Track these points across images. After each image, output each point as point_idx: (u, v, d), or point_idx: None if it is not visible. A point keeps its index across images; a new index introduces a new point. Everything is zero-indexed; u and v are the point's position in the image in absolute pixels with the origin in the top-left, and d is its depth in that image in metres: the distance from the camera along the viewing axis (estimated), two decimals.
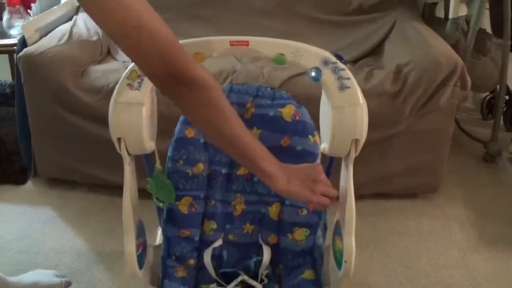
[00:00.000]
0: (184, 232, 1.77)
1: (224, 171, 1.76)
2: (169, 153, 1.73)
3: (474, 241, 2.43)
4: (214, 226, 1.80)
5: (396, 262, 2.28)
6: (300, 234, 1.76)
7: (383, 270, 2.24)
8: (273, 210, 1.78)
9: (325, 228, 1.81)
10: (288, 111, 1.69)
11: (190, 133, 1.71)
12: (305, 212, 1.73)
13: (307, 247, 1.77)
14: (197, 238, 1.78)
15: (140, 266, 1.66)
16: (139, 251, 1.66)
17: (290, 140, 1.69)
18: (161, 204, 1.72)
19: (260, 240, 1.81)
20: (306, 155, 1.69)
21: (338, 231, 1.68)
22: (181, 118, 1.73)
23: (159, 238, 1.93)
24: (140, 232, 1.72)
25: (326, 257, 1.80)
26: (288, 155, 1.69)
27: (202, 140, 1.72)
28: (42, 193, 2.77)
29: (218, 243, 1.80)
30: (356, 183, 1.59)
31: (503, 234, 2.48)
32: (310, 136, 1.68)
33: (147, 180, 1.68)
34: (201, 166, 1.73)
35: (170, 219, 1.76)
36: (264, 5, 3.09)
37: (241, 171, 1.77)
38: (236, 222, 1.81)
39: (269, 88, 1.74)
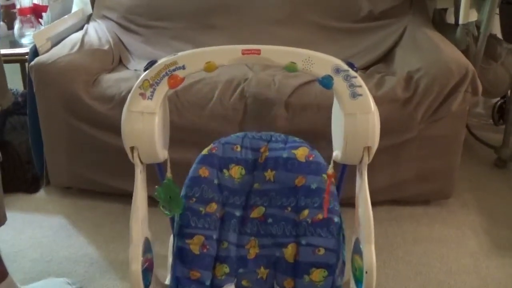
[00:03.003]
0: (194, 274, 1.71)
1: (237, 213, 1.75)
2: (183, 192, 1.72)
3: (486, 247, 2.42)
4: (227, 270, 1.74)
5: (409, 269, 2.27)
6: (318, 275, 1.70)
7: (396, 277, 2.23)
8: (289, 252, 1.73)
9: (343, 266, 1.75)
10: (301, 153, 1.71)
11: (205, 172, 1.71)
12: (322, 251, 1.68)
13: None
14: (208, 282, 1.72)
15: (147, 283, 1.64)
16: (145, 265, 1.64)
17: (304, 179, 1.69)
18: (166, 212, 1.71)
19: (275, 285, 1.76)
20: (321, 193, 1.68)
21: (357, 249, 1.65)
22: (196, 159, 1.74)
23: (169, 279, 1.84)
24: (147, 248, 1.70)
25: None
26: (303, 193, 1.70)
27: (216, 181, 1.72)
28: (55, 202, 2.78)
29: None
30: (369, 190, 1.59)
31: None
32: (324, 175, 1.68)
33: (155, 188, 1.68)
34: (214, 205, 1.72)
35: (181, 258, 1.72)
36: (276, 14, 3.10)
37: (255, 214, 1.76)
38: (249, 266, 1.75)
39: (282, 135, 1.77)
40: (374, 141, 1.52)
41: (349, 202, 1.73)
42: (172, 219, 1.80)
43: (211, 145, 1.74)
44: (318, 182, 1.69)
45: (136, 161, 1.56)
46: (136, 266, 1.58)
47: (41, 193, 2.86)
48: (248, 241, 1.76)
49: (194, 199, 1.71)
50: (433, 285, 2.20)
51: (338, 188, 1.75)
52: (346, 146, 1.53)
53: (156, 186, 1.68)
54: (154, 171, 1.73)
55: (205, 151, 1.74)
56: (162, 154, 1.60)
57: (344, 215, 1.75)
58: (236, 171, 1.73)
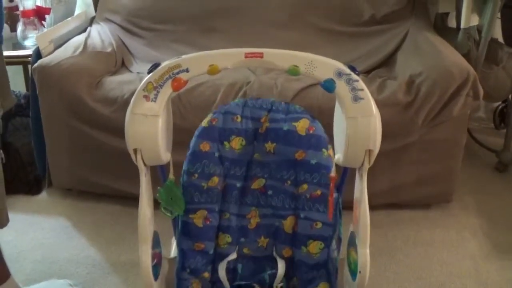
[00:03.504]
0: (198, 245, 1.78)
1: (238, 184, 1.78)
2: (184, 167, 1.74)
3: (487, 250, 2.42)
4: (229, 239, 1.81)
5: (409, 272, 2.28)
6: (315, 247, 1.77)
7: (396, 280, 2.23)
8: (288, 223, 1.79)
9: (339, 241, 1.81)
10: (302, 125, 1.71)
11: (205, 147, 1.73)
12: (319, 225, 1.75)
13: (322, 260, 1.77)
14: (211, 252, 1.79)
15: (155, 277, 1.67)
16: (155, 261, 1.67)
17: (304, 154, 1.71)
18: (168, 214, 1.73)
19: (274, 253, 1.82)
20: (320, 168, 1.71)
21: (352, 242, 1.69)
22: (197, 132, 1.75)
23: (173, 251, 1.94)
24: (156, 243, 1.73)
25: (340, 270, 1.80)
26: (303, 168, 1.72)
27: (217, 154, 1.74)
28: (57, 203, 2.78)
29: (233, 256, 1.81)
30: (369, 193, 1.61)
31: None
32: (324, 150, 1.70)
33: (157, 189, 1.70)
34: (215, 179, 1.74)
35: (185, 232, 1.78)
36: (278, 17, 3.10)
37: (255, 185, 1.79)
38: (250, 235, 1.82)
39: (283, 103, 1.77)
40: (376, 145, 1.54)
41: (348, 206, 1.75)
42: (175, 221, 1.81)
43: (211, 116, 1.75)
44: (318, 157, 1.72)
45: (140, 163, 1.57)
46: (146, 263, 1.62)
47: (43, 194, 2.86)
48: (249, 211, 1.81)
49: (196, 175, 1.74)
50: None
51: (339, 191, 1.76)
52: (348, 149, 1.54)
53: (158, 188, 1.69)
54: (157, 173, 1.74)
55: (205, 123, 1.75)
56: (165, 156, 1.61)
57: (344, 217, 1.77)
58: (236, 142, 1.75)
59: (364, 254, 1.60)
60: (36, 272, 2.27)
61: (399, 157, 2.52)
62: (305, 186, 1.74)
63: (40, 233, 2.53)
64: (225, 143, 1.74)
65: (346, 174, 1.74)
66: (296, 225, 1.78)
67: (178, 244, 1.80)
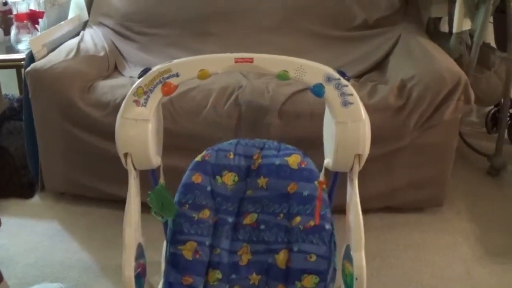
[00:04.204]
0: (187, 279, 1.74)
1: (230, 219, 1.77)
2: (176, 198, 1.74)
3: (479, 254, 2.43)
4: (219, 276, 1.77)
5: (401, 276, 2.28)
6: (309, 281, 1.73)
7: (389, 284, 2.24)
8: (281, 258, 1.76)
9: (334, 272, 1.78)
10: (294, 160, 1.73)
11: (198, 179, 1.73)
12: (313, 258, 1.71)
13: None
14: None
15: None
16: (138, 271, 1.66)
17: (296, 186, 1.72)
18: (159, 218, 1.73)
19: None
20: (313, 200, 1.71)
21: (347, 256, 1.67)
22: (190, 166, 1.76)
23: (161, 284, 1.85)
24: (140, 254, 1.71)
25: None
26: (295, 200, 1.72)
27: (209, 188, 1.74)
28: (49, 207, 2.78)
29: None
30: (361, 197, 1.61)
31: (508, 247, 2.48)
32: (316, 182, 1.71)
33: (148, 194, 1.70)
34: (207, 212, 1.74)
35: (173, 264, 1.74)
36: (269, 22, 3.11)
37: (247, 220, 1.78)
38: (242, 272, 1.78)
39: (275, 142, 1.79)
40: (365, 149, 1.54)
41: (342, 210, 1.75)
42: (165, 225, 1.81)
43: (204, 152, 1.76)
44: (310, 189, 1.71)
45: (130, 167, 1.58)
46: (129, 271, 1.60)
47: (36, 198, 2.86)
48: (241, 247, 1.78)
49: (187, 206, 1.72)
50: None
51: (330, 196, 1.76)
52: (337, 154, 1.55)
53: (149, 192, 1.70)
54: (149, 178, 1.75)
55: (198, 158, 1.75)
56: (156, 160, 1.62)
57: (336, 222, 1.77)
58: (229, 178, 1.75)
59: (359, 258, 1.59)
60: (28, 275, 2.27)
61: (390, 161, 2.53)
62: (298, 218, 1.73)
63: (32, 237, 2.53)
64: (218, 177, 1.75)
65: (336, 179, 1.74)
66: (289, 260, 1.75)
67: (165, 277, 1.76)
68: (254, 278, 1.78)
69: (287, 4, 3.13)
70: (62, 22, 3.03)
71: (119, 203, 2.52)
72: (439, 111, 2.43)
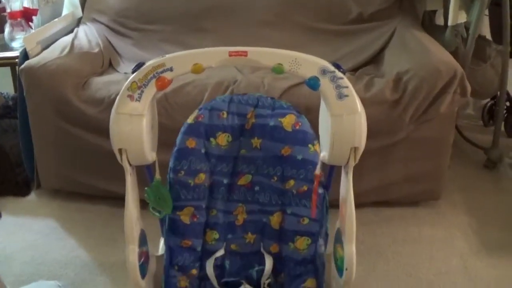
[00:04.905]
0: (186, 242, 1.78)
1: (225, 181, 1.78)
2: (171, 164, 1.75)
3: (476, 247, 2.43)
4: (216, 236, 1.81)
5: (398, 270, 2.28)
6: (302, 243, 1.77)
7: (385, 278, 2.24)
8: (275, 219, 1.79)
9: (326, 237, 1.81)
10: (288, 121, 1.72)
11: (191, 143, 1.73)
12: (306, 220, 1.75)
13: (309, 256, 1.78)
14: (199, 248, 1.80)
15: (143, 276, 1.67)
16: (142, 260, 1.67)
17: (290, 150, 1.72)
18: (157, 214, 1.73)
19: (262, 249, 1.83)
20: (307, 164, 1.72)
21: (339, 239, 1.69)
22: (182, 128, 1.74)
23: (161, 248, 1.93)
24: (143, 241, 1.73)
25: (327, 266, 1.81)
26: (289, 164, 1.72)
27: (203, 151, 1.74)
28: (45, 205, 2.78)
29: (220, 253, 1.82)
30: (357, 191, 1.61)
31: (505, 240, 2.48)
32: (310, 145, 1.71)
33: (145, 190, 1.70)
34: (202, 176, 1.74)
35: (172, 229, 1.78)
36: (265, 16, 3.10)
37: (242, 181, 1.80)
38: (238, 231, 1.83)
39: (269, 98, 1.77)
40: (361, 142, 1.53)
41: (335, 204, 1.74)
42: (162, 221, 1.81)
43: (197, 112, 1.75)
44: (304, 153, 1.72)
45: (125, 163, 1.57)
46: (134, 263, 1.62)
47: (32, 196, 2.85)
48: (236, 208, 1.82)
49: (183, 172, 1.74)
50: (422, 286, 2.21)
51: (326, 189, 1.76)
52: (333, 147, 1.54)
53: (146, 188, 1.69)
54: (144, 174, 1.74)
55: (191, 119, 1.75)
56: (151, 156, 1.61)
57: (331, 215, 1.77)
58: (222, 139, 1.75)
59: (350, 250, 1.60)
60: (25, 273, 2.27)
61: (387, 155, 2.53)
62: (291, 182, 1.74)
63: (29, 235, 2.53)
64: (211, 139, 1.74)
65: (332, 172, 1.74)
66: (283, 221, 1.78)
67: (166, 241, 1.80)
68: (250, 237, 1.83)
69: None
70: (56, 19, 3.02)
71: (115, 199, 2.53)
72: (435, 104, 2.43)
